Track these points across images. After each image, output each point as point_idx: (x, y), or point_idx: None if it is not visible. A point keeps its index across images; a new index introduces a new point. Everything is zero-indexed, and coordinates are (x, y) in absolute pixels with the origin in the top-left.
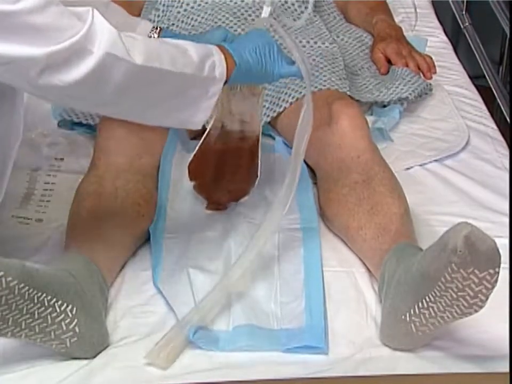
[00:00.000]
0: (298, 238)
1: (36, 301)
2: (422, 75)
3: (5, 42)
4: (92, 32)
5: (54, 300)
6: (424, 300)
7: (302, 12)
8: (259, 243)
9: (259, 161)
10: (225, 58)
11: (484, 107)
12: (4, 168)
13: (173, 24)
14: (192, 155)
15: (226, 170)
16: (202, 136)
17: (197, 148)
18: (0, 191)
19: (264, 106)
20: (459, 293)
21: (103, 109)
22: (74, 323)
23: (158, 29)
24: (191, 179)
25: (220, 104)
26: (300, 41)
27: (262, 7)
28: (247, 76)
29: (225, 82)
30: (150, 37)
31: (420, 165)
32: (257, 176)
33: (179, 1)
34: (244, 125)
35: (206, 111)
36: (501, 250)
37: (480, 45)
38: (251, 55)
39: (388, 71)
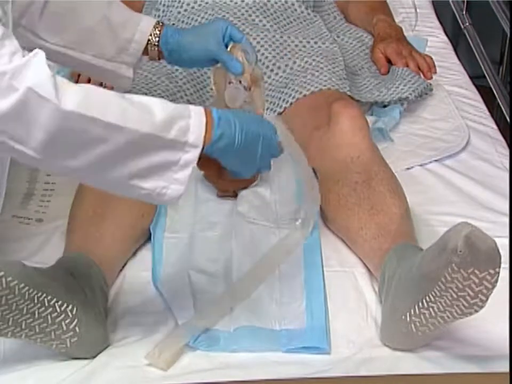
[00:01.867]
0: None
1: (36, 301)
2: (422, 75)
3: None
4: (22, 69)
5: (54, 299)
6: (424, 300)
7: (302, 12)
8: (271, 262)
9: None
10: (207, 124)
11: (484, 107)
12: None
13: (173, 24)
14: None
15: None
16: None
17: None
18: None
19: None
20: (459, 293)
21: (45, 164)
22: (74, 323)
23: (161, 24)
24: (199, 169)
25: (219, 95)
26: (300, 41)
27: (262, 7)
28: (225, 154)
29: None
30: (152, 33)
31: (420, 165)
32: None
33: (179, 1)
34: None
35: (181, 183)
36: (501, 250)
37: (480, 45)
38: (240, 135)
39: (388, 71)
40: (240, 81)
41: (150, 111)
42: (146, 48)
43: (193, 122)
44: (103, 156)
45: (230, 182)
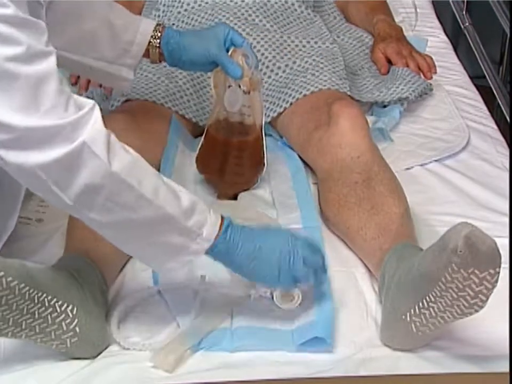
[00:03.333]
0: None
1: (36, 301)
2: (422, 75)
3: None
4: (82, 123)
5: (55, 299)
6: (424, 300)
7: (302, 12)
8: None
9: (265, 151)
10: (220, 227)
11: (484, 107)
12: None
13: (173, 24)
14: (198, 149)
15: (230, 163)
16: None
17: (201, 141)
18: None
19: (264, 106)
20: (459, 293)
21: (74, 211)
22: (74, 323)
23: (162, 26)
24: (200, 172)
25: (218, 98)
26: (300, 41)
27: (262, 7)
28: (230, 260)
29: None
30: (153, 35)
31: (420, 165)
32: (264, 166)
33: (179, 1)
34: (244, 117)
35: (181, 266)
36: (501, 250)
37: (481, 45)
38: (246, 245)
39: (388, 71)
40: (239, 85)
41: (177, 196)
42: (147, 50)
43: (212, 220)
44: (127, 221)
45: (229, 185)
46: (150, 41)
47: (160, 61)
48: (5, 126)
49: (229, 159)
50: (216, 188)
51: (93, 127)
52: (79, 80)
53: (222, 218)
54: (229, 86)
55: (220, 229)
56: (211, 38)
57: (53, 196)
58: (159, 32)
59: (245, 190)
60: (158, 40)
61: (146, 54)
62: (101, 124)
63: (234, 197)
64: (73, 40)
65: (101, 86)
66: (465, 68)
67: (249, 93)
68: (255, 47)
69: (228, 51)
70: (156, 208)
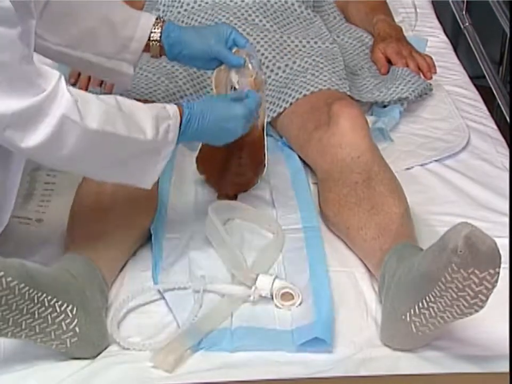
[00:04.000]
0: (300, 238)
1: (36, 301)
2: (422, 75)
3: None
4: (53, 95)
5: (54, 300)
6: (424, 300)
7: (302, 12)
8: None
9: (265, 151)
10: (180, 121)
11: (484, 107)
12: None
13: None
14: (198, 149)
15: (231, 163)
16: None
17: (201, 142)
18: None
19: None
20: (459, 293)
21: (61, 168)
22: (74, 323)
23: (162, 21)
24: (200, 173)
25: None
26: (300, 41)
27: (262, 7)
28: (196, 138)
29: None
30: (153, 30)
31: (420, 165)
32: (264, 166)
33: (179, 1)
34: None
35: (158, 172)
36: (501, 250)
37: (480, 45)
38: (209, 128)
39: (388, 71)
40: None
41: (144, 120)
42: (147, 45)
43: (173, 123)
44: (108, 159)
45: (230, 185)
46: (150, 36)
47: (160, 55)
48: None
49: (230, 160)
50: (216, 188)
51: (64, 97)
52: (79, 80)
53: (180, 110)
54: (233, 88)
55: (180, 124)
56: (212, 34)
57: (42, 161)
58: (160, 26)
59: (245, 191)
60: (159, 35)
61: (147, 49)
62: (67, 91)
63: (235, 197)
64: (73, 37)
65: (100, 85)
66: (465, 68)
67: None
68: (255, 47)
69: (230, 50)
70: (132, 140)
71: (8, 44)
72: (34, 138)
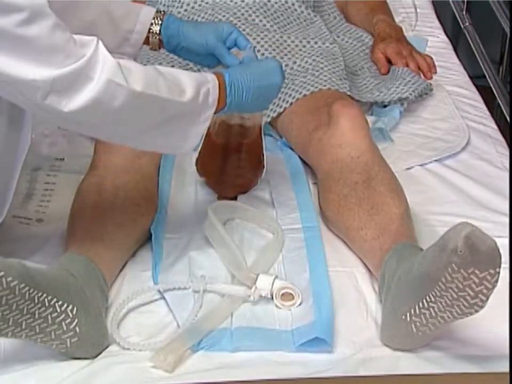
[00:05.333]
0: (300, 238)
1: (36, 301)
2: (422, 75)
3: (12, 61)
4: (94, 60)
5: (55, 299)
6: (424, 300)
7: (302, 12)
8: None
9: (264, 152)
10: (220, 87)
11: (484, 107)
12: (9, 179)
13: None
14: (197, 152)
15: (230, 165)
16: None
17: (200, 144)
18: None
19: None
20: (459, 293)
21: (100, 133)
22: (74, 323)
23: (162, 13)
24: (200, 175)
25: None
26: (300, 41)
27: (262, 7)
28: (237, 108)
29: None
30: (153, 22)
31: (420, 165)
32: (263, 167)
33: (179, 1)
34: (243, 120)
35: (198, 136)
36: (501, 250)
37: (481, 45)
38: (247, 93)
39: (388, 71)
40: None
41: (184, 82)
42: (147, 37)
43: (211, 86)
44: (151, 122)
45: (229, 187)
46: (150, 28)
47: (159, 48)
48: (34, 82)
49: (228, 162)
50: (215, 190)
51: (107, 61)
52: None
53: (220, 77)
54: None
55: (220, 91)
56: (212, 30)
57: (84, 127)
58: (160, 19)
59: (245, 192)
60: (158, 27)
61: (146, 41)
62: (109, 54)
63: (234, 199)
64: (73, 31)
65: None
66: (465, 68)
67: None
68: (254, 47)
69: (228, 49)
70: (174, 103)
71: (40, 13)
72: (77, 102)
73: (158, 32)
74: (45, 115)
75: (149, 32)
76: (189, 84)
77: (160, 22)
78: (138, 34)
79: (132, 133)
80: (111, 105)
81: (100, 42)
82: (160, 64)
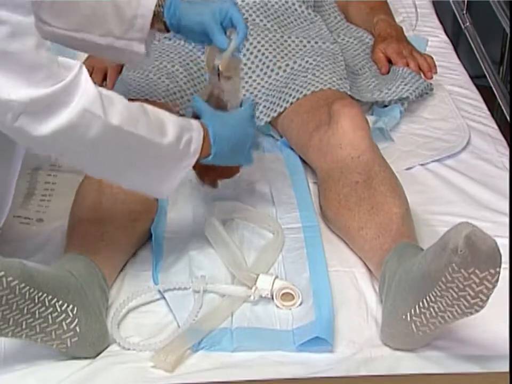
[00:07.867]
0: (300, 238)
1: (36, 300)
2: (422, 75)
3: None
4: (74, 85)
5: (55, 299)
6: (424, 300)
7: (303, 12)
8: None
9: None
10: (204, 137)
11: (484, 107)
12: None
13: None
14: None
15: None
16: None
17: None
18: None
19: (265, 106)
20: (460, 293)
21: (74, 163)
22: (75, 323)
23: None
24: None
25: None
26: (301, 41)
27: (262, 7)
28: (218, 160)
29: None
30: (157, 5)
31: (421, 165)
32: None
33: None
34: (219, 102)
35: (175, 182)
36: (501, 250)
37: (481, 45)
38: (228, 145)
39: (389, 71)
40: (218, 68)
41: (166, 126)
42: (153, 22)
43: (195, 135)
44: (128, 160)
45: (210, 170)
46: (154, 12)
47: (167, 31)
48: (8, 102)
49: None
50: (201, 179)
51: (87, 89)
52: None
53: (204, 129)
54: (217, 69)
55: (204, 141)
56: (210, 9)
57: (63, 159)
58: (163, 1)
59: (227, 177)
60: (162, 9)
61: (153, 25)
62: (91, 83)
63: (216, 184)
64: (77, 19)
65: (102, 84)
66: (465, 68)
67: (228, 78)
68: (255, 46)
69: (226, 30)
70: (153, 144)
71: (24, 31)
72: (49, 127)
73: (162, 14)
74: (13, 136)
75: (153, 16)
76: (172, 127)
77: (162, 4)
78: (142, 18)
79: (107, 167)
80: (85, 135)
81: (84, 68)
82: (165, 67)
